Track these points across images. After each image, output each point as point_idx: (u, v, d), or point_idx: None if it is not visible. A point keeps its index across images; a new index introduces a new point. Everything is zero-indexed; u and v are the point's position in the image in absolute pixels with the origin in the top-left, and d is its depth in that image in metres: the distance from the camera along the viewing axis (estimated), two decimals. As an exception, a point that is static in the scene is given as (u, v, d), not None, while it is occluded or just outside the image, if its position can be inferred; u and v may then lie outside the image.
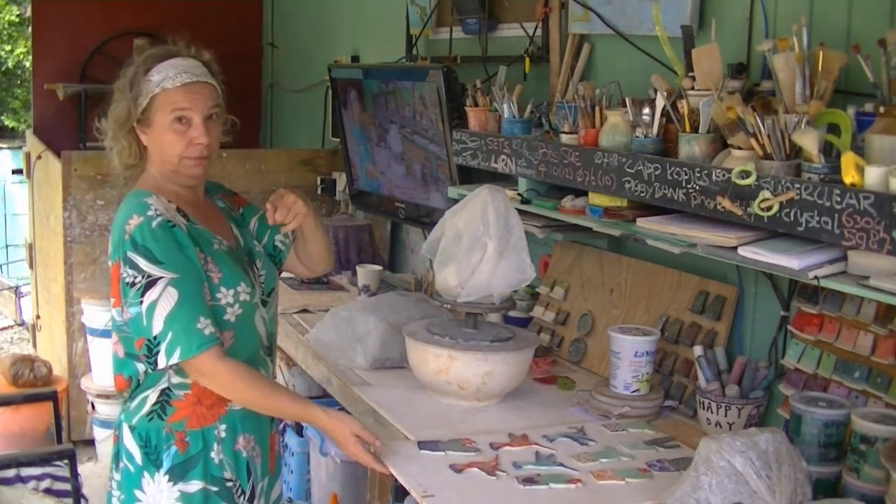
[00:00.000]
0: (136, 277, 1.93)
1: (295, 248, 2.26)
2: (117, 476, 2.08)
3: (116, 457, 2.09)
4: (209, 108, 2.02)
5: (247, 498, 2.09)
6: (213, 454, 2.03)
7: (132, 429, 2.04)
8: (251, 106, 5.79)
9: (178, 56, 2.03)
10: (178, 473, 2.01)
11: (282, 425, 3.18)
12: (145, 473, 2.02)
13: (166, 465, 2.01)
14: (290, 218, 2.13)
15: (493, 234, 2.39)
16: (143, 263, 1.93)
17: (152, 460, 2.02)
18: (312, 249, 2.26)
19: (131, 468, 2.04)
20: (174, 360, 1.93)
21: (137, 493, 2.03)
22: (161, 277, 1.93)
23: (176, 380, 2.01)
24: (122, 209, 2.01)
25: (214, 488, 2.03)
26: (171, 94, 1.99)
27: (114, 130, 2.05)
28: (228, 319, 2.02)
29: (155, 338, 1.93)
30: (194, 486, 2.02)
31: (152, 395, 2.02)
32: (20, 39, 12.23)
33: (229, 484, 2.06)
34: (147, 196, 2.01)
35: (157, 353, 1.94)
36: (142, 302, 1.93)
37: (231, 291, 2.02)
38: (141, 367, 2.01)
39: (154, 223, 1.96)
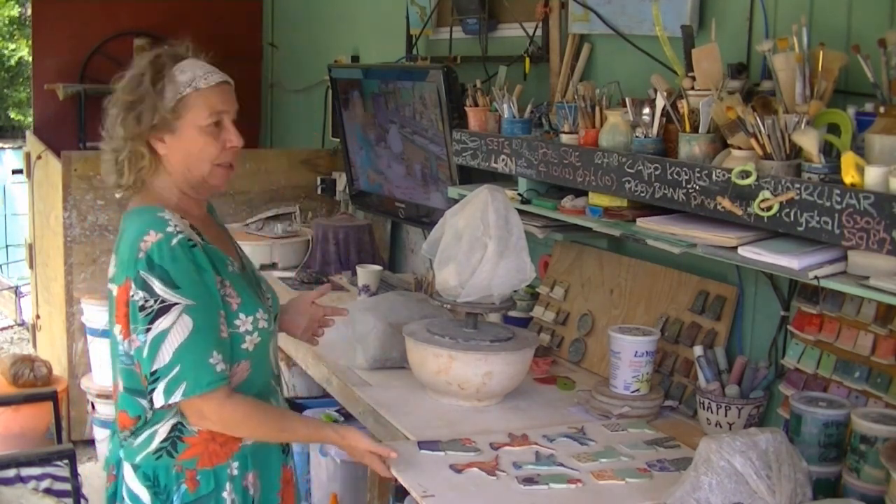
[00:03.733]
0: (146, 301, 1.75)
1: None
2: None
3: (113, 497, 1.90)
4: (235, 111, 1.90)
5: None
6: (224, 494, 1.87)
7: (136, 467, 1.85)
8: (251, 106, 5.79)
9: (187, 58, 1.88)
10: None
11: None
12: None
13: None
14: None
15: (493, 234, 2.39)
16: (157, 286, 1.74)
17: (162, 500, 1.84)
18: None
19: None
20: (175, 398, 1.75)
21: None
22: (176, 304, 1.74)
23: None
24: (134, 225, 1.81)
25: None
26: (207, 94, 1.84)
27: (132, 137, 1.84)
28: (246, 349, 1.87)
29: (154, 372, 1.74)
30: None
31: (161, 431, 1.84)
32: (21, 39, 12.21)
33: None
34: (161, 211, 1.82)
35: (153, 389, 1.75)
36: (149, 329, 1.74)
37: (250, 318, 1.87)
38: (146, 403, 1.82)
39: (174, 241, 1.77)
